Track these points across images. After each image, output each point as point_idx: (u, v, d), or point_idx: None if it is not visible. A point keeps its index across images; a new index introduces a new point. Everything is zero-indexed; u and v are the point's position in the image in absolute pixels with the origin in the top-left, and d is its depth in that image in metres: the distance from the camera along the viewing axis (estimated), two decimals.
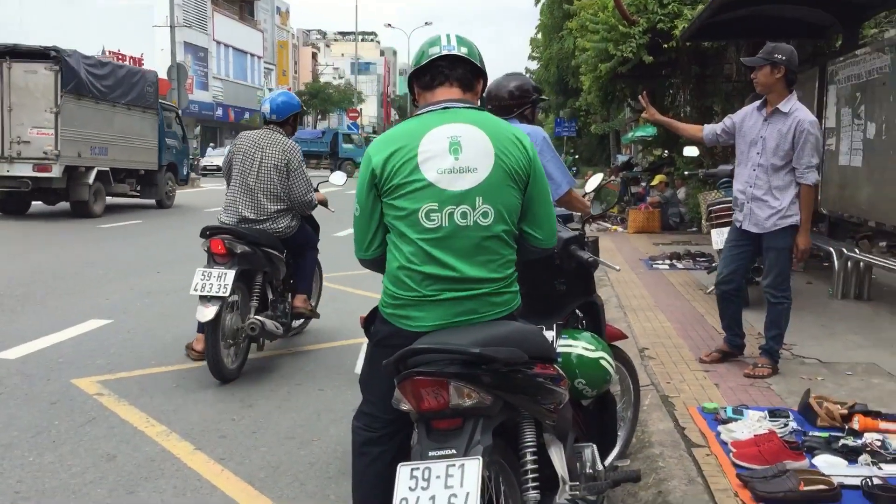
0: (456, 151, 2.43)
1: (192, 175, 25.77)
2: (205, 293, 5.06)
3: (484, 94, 2.87)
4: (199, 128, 42.70)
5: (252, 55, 56.70)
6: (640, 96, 5.54)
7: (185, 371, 5.49)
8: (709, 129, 5.46)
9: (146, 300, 7.90)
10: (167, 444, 4.21)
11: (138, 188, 18.44)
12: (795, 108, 4.93)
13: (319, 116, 68.37)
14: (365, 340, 3.93)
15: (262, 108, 5.81)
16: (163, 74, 28.45)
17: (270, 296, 5.71)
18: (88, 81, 15.90)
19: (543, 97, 4.25)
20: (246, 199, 5.50)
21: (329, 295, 8.33)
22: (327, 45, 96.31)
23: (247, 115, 53.83)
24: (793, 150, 4.88)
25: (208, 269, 5.19)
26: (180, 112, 22.47)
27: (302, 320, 6.27)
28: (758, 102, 5.18)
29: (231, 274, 5.11)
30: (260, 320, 5.32)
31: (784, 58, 4.87)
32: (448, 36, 2.64)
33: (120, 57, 35.43)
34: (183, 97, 28.50)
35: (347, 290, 8.44)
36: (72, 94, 15.36)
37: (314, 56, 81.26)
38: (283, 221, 5.58)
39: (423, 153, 2.43)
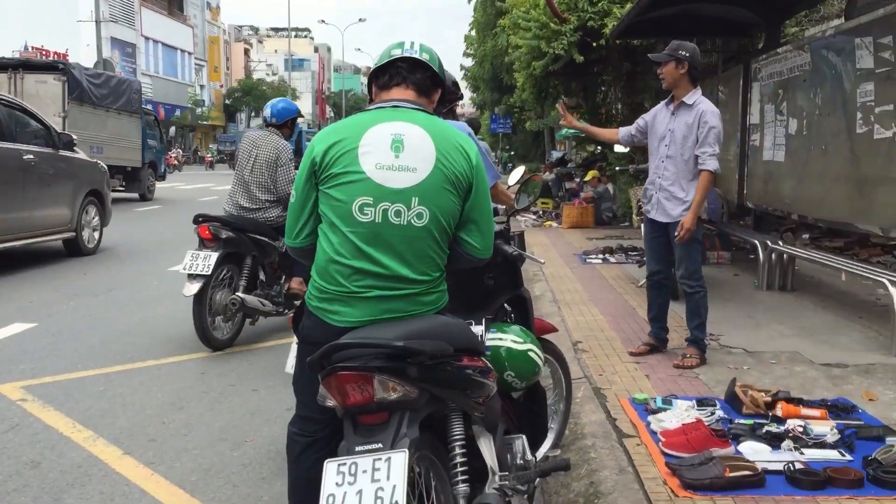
0: (398, 149, 2.42)
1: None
2: (191, 272, 5.75)
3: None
4: (173, 128, 42.16)
5: (182, 51, 55.57)
6: (557, 104, 5.69)
7: (113, 374, 5.37)
8: (624, 131, 5.63)
9: (72, 302, 7.68)
10: (94, 449, 4.10)
11: (124, 183, 20.32)
12: (699, 101, 5.16)
13: (253, 113, 67.42)
14: (293, 339, 3.93)
15: (263, 112, 6.61)
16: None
17: (262, 277, 6.37)
18: (89, 90, 18.03)
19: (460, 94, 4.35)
20: (242, 191, 6.20)
21: None
22: (260, 42, 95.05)
23: (178, 113, 52.72)
24: (697, 141, 5.08)
25: (197, 251, 5.85)
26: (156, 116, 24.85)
27: (299, 301, 6.68)
28: (664, 101, 5.39)
29: (215, 256, 5.79)
30: (240, 297, 5.96)
31: (687, 54, 5.10)
32: (412, 42, 2.68)
33: (44, 53, 34.38)
34: None
35: None
36: (75, 101, 17.40)
37: (246, 52, 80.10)
38: (275, 211, 6.19)
39: (364, 146, 2.43)
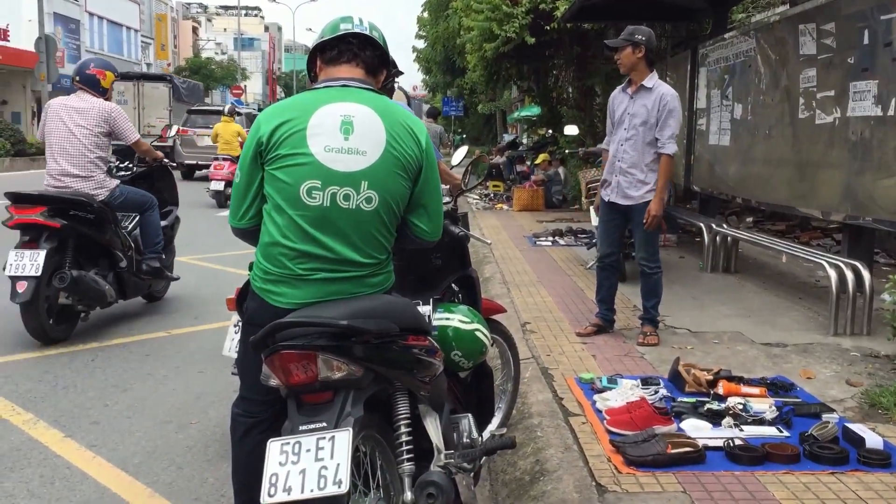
0: (347, 131, 2.37)
1: None
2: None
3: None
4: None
5: (128, 28, 54.13)
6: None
7: (54, 357, 5.26)
8: (606, 143, 5.59)
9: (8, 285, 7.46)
10: (34, 432, 4.02)
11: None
12: (658, 84, 5.23)
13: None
14: (230, 321, 3.89)
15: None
16: (30, 46, 26.99)
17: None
18: (182, 92, 28.46)
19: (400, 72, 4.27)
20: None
21: (210, 275, 8.17)
22: (209, 20, 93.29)
23: None
24: (657, 124, 5.13)
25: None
26: None
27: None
28: (621, 87, 5.43)
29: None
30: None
31: (643, 38, 5.16)
32: (360, 18, 2.60)
33: None
34: (52, 71, 26.98)
35: (229, 270, 8.26)
36: (176, 101, 27.06)
37: (195, 30, 78.47)
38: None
39: (312, 127, 2.37)
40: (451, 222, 3.29)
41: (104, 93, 5.89)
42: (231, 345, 3.90)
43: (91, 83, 5.86)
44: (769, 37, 7.59)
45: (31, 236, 5.38)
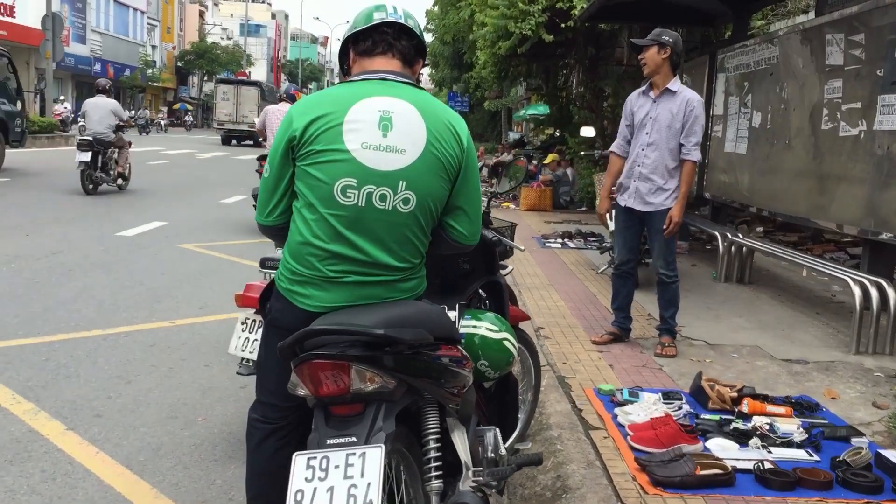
0: (386, 128, 2.24)
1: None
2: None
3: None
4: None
5: (135, 9, 53.87)
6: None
7: (56, 343, 5.12)
8: (618, 147, 5.36)
9: (13, 265, 7.34)
10: (35, 423, 3.88)
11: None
12: (683, 89, 5.10)
13: (206, 77, 65.94)
14: (238, 318, 3.76)
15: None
16: (36, 24, 26.80)
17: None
18: (265, 93, 37.95)
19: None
20: None
21: (215, 263, 8.04)
22: (216, 4, 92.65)
23: (127, 72, 51.14)
24: (682, 129, 4.99)
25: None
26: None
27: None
28: (640, 89, 5.29)
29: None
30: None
31: (671, 40, 5.01)
32: (395, 6, 2.45)
33: None
34: (58, 49, 26.88)
35: (233, 260, 8.13)
36: (262, 99, 36.15)
37: (201, 14, 78.01)
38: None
39: (349, 122, 2.23)
40: (483, 226, 3.15)
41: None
42: (238, 343, 3.76)
43: (292, 99, 9.86)
44: (794, 45, 7.45)
45: None
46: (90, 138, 12.83)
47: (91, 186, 12.95)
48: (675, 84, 5.07)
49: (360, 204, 2.23)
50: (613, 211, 5.57)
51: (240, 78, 44.27)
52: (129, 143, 14.03)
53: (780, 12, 12.41)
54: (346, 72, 2.53)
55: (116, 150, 13.45)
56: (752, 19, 11.52)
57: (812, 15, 10.01)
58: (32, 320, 5.59)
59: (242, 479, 2.48)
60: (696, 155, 5.01)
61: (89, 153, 12.72)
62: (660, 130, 5.05)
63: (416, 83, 2.46)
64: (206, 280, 7.23)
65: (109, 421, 3.98)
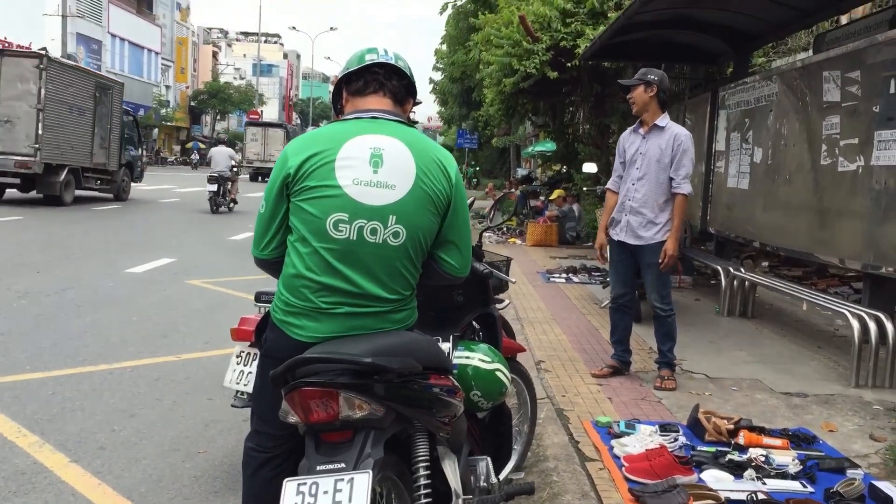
0: (376, 164, 2.32)
1: None
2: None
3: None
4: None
5: (149, 50, 54.80)
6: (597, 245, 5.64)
7: (63, 378, 5.19)
8: (612, 184, 5.51)
9: (23, 301, 7.45)
10: (40, 455, 3.94)
11: None
12: (671, 124, 5.25)
13: (218, 117, 66.76)
14: (233, 351, 3.84)
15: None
16: None
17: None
18: (290, 134, 39.78)
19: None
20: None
21: (221, 299, 8.12)
22: (229, 45, 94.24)
23: (142, 112, 51.87)
24: (671, 163, 5.11)
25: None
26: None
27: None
28: (631, 128, 5.43)
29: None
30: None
31: (656, 78, 5.17)
32: (385, 49, 2.57)
33: (7, 45, 33.80)
34: None
35: (239, 295, 8.20)
36: (286, 139, 37.39)
37: (214, 55, 79.30)
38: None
39: (341, 159, 2.32)
40: (476, 259, 3.23)
41: None
42: (233, 376, 3.83)
43: None
44: (792, 82, 7.56)
45: None
46: (217, 174, 18.83)
47: (215, 208, 18.75)
48: (663, 120, 5.21)
49: (351, 238, 2.31)
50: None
51: (267, 121, 47.61)
52: (238, 179, 20.29)
53: (781, 49, 12.55)
54: (339, 111, 2.63)
55: (230, 182, 19.34)
56: (754, 57, 11.66)
57: (811, 52, 10.13)
58: (40, 355, 5.67)
59: None
60: (686, 188, 5.10)
61: (216, 185, 18.70)
62: (649, 165, 5.17)
63: (407, 121, 2.55)
64: (213, 315, 7.31)
65: (112, 453, 4.03)
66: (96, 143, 19.62)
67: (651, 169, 5.17)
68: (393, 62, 2.53)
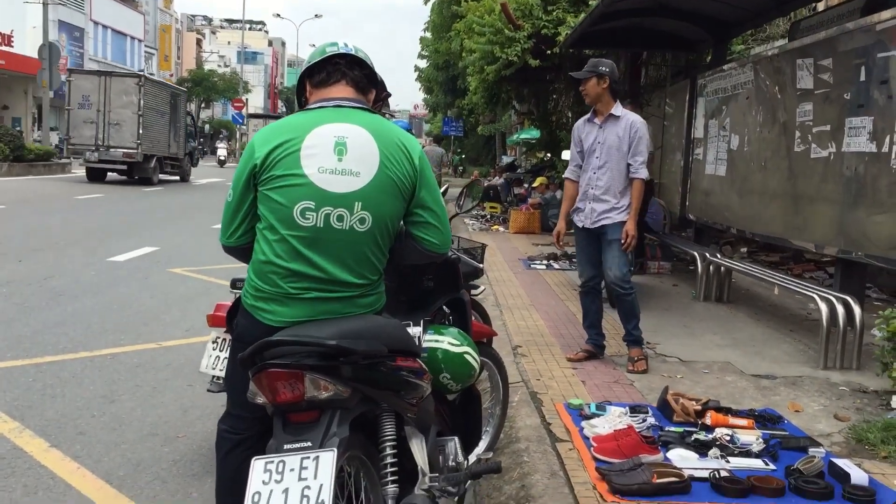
0: (341, 152, 2.38)
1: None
2: None
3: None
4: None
5: (132, 38, 54.39)
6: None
7: (43, 365, 5.24)
8: (570, 173, 5.67)
9: (3, 289, 7.47)
10: (20, 441, 4.00)
11: None
12: (626, 112, 5.44)
13: (203, 105, 66.37)
14: (210, 338, 3.90)
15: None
16: (33, 53, 27.07)
17: None
18: None
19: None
20: None
21: (203, 287, 8.17)
22: (213, 32, 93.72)
23: None
24: (629, 150, 5.30)
25: None
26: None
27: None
28: (585, 117, 5.58)
29: None
30: None
31: (607, 70, 5.34)
32: (346, 42, 2.64)
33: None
34: (55, 78, 27.17)
35: (221, 283, 8.23)
36: None
37: (199, 42, 78.84)
38: None
39: (306, 148, 2.38)
40: None
41: None
42: (208, 361, 3.90)
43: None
44: (767, 69, 7.65)
45: None
46: None
47: None
48: (617, 109, 5.39)
49: (318, 225, 2.37)
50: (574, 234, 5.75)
51: (271, 113, 48.04)
52: None
53: (760, 37, 12.65)
54: (302, 104, 2.69)
55: None
56: (733, 44, 11.75)
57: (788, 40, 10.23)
58: (20, 342, 5.71)
59: None
60: (643, 173, 5.31)
61: None
62: (609, 153, 5.34)
63: (371, 109, 2.62)
64: (194, 303, 7.35)
65: (92, 438, 4.09)
66: (171, 137, 25.88)
67: (612, 157, 5.34)
68: (353, 53, 2.60)
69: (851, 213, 6.03)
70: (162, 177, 25.78)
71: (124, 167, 23.77)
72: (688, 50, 11.12)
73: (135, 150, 23.22)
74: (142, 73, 26.03)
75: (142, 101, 23.40)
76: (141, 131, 23.30)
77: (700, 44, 10.49)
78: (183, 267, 9.31)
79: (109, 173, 24.11)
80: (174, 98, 26.77)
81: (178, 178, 27.31)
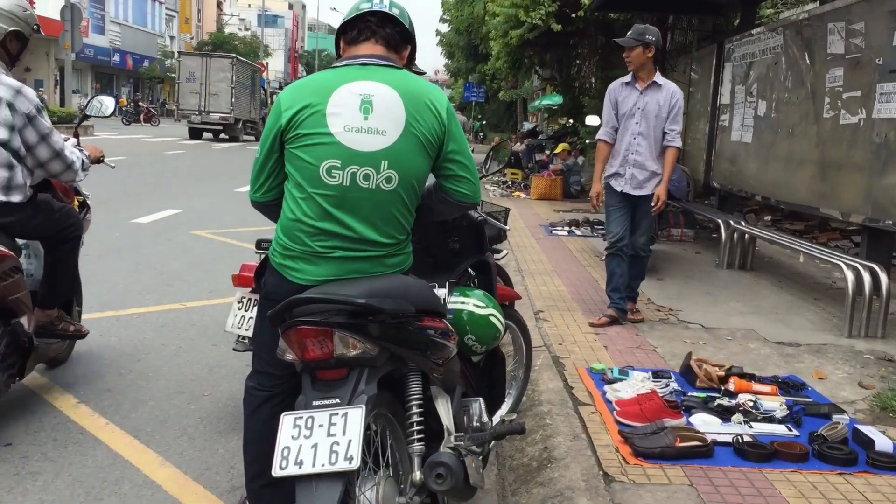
0: (366, 111, 2.38)
1: None
2: None
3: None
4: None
5: (153, 0, 54.30)
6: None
7: None
8: (605, 135, 5.59)
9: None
10: (49, 397, 4.07)
11: None
12: (666, 81, 5.49)
13: None
14: (235, 298, 3.93)
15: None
16: (55, 15, 27.06)
17: None
18: None
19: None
20: None
21: (226, 250, 8.22)
22: None
23: (146, 63, 51.57)
24: (667, 118, 5.35)
25: None
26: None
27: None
28: (622, 80, 5.55)
29: None
30: None
31: (654, 39, 5.32)
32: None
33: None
34: (77, 40, 27.16)
35: (244, 246, 8.28)
36: None
37: (219, 5, 78.34)
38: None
39: (332, 107, 2.38)
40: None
41: None
42: (234, 321, 3.93)
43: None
44: (797, 34, 7.52)
45: None
46: None
47: None
48: (659, 77, 5.42)
49: (344, 183, 2.37)
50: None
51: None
52: None
53: (790, 1, 12.41)
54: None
55: None
56: (762, 8, 11.55)
57: (818, 4, 10.03)
58: None
59: None
60: (678, 142, 5.38)
61: None
62: (648, 120, 5.37)
63: (401, 66, 2.60)
64: (217, 265, 7.40)
65: (119, 395, 4.16)
66: (251, 104, 33.33)
67: (651, 124, 5.39)
68: (386, 10, 2.57)
69: (880, 181, 5.95)
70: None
71: (220, 128, 30.72)
72: (715, 14, 10.95)
73: (228, 115, 30.32)
74: (234, 54, 34.85)
75: (234, 77, 30.67)
76: (233, 100, 30.45)
77: (728, 7, 10.33)
78: (206, 229, 9.37)
79: (205, 133, 30.79)
80: (253, 74, 34.73)
81: (253, 137, 31.91)
